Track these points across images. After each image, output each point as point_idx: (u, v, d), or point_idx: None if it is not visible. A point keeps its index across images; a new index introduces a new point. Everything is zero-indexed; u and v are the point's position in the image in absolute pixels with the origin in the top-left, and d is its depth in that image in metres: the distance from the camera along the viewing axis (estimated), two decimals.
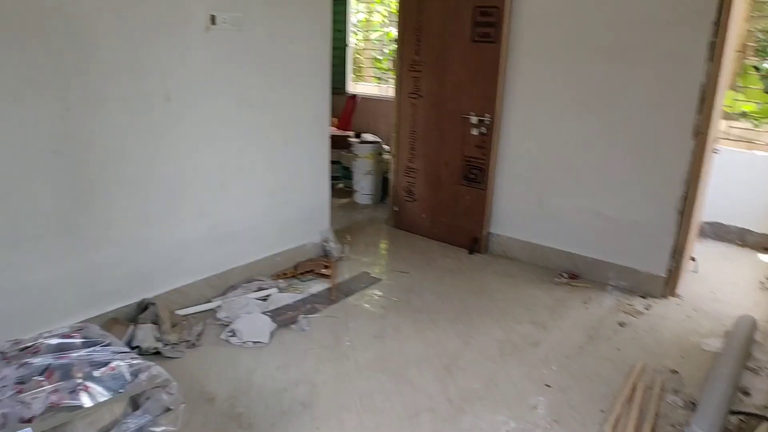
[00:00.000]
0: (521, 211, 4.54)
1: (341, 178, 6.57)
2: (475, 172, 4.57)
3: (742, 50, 5.82)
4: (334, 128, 7.08)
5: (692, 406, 2.79)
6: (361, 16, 8.43)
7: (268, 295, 3.65)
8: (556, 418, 2.65)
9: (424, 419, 2.60)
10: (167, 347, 2.95)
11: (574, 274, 4.31)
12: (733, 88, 5.87)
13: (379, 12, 8.50)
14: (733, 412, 2.74)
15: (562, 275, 4.30)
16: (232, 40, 3.36)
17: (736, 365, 3.06)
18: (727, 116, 5.75)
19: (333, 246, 4.37)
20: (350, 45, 7.87)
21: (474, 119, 4.45)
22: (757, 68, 7.06)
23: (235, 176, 3.59)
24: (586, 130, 4.12)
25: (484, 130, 4.43)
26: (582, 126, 4.13)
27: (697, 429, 2.42)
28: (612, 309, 3.85)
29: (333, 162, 4.40)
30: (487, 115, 4.39)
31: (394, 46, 5.07)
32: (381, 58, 8.42)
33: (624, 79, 3.89)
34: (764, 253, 5.31)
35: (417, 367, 3.02)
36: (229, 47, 3.35)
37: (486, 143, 4.46)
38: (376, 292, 3.92)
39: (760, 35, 6.79)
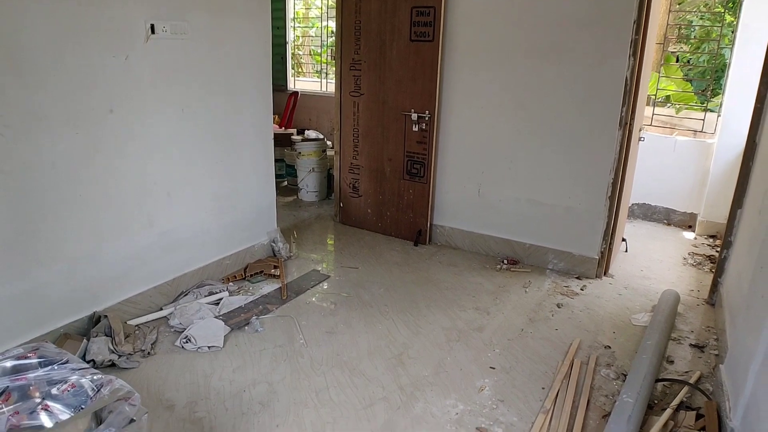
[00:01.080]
0: (462, 203, 4.74)
1: (285, 176, 6.62)
2: (418, 166, 4.73)
3: (664, 41, 6.19)
4: (276, 126, 7.11)
5: (623, 377, 3.03)
6: (300, 9, 8.44)
7: (219, 299, 3.70)
8: (501, 398, 2.84)
9: (378, 409, 2.73)
10: (122, 358, 2.97)
11: (514, 260, 4.54)
12: (658, 74, 6.24)
13: (317, 6, 8.53)
14: (659, 380, 3.00)
15: (503, 262, 4.53)
16: (173, 49, 3.37)
17: (661, 337, 3.33)
18: (652, 103, 6.11)
19: (281, 245, 4.44)
20: (289, 41, 7.87)
21: (414, 116, 4.60)
22: (677, 58, 7.51)
23: (181, 184, 3.61)
24: (521, 123, 4.34)
25: (424, 126, 4.59)
26: (517, 120, 4.35)
27: (626, 398, 2.64)
28: (550, 291, 4.09)
29: (276, 160, 4.45)
30: (427, 111, 4.55)
31: (334, 40, 5.14)
32: (320, 51, 8.46)
33: (554, 75, 4.12)
34: (687, 230, 5.71)
35: (369, 359, 3.15)
36: (170, 56, 3.36)
37: (427, 139, 4.62)
38: (326, 288, 4.03)
39: (681, 27, 7.21)
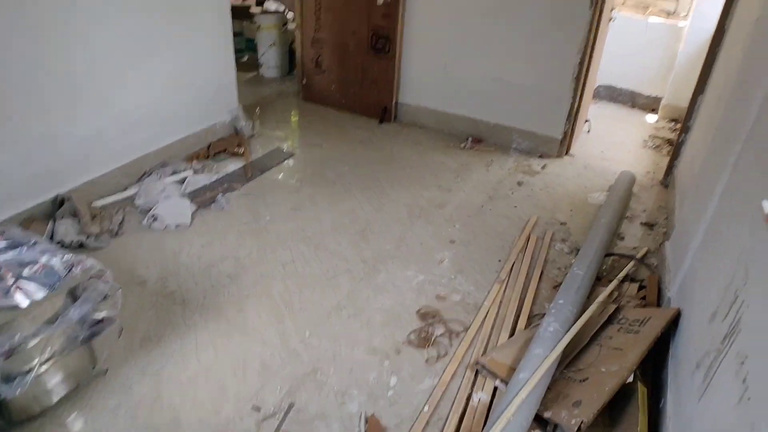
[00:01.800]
0: (429, 80, 4.66)
1: (245, 50, 6.33)
2: (383, 41, 4.57)
3: None
4: None
5: (576, 251, 3.20)
6: None
7: (184, 178, 3.67)
8: (460, 269, 2.99)
9: (342, 280, 2.85)
10: (90, 239, 2.98)
11: (479, 138, 4.58)
12: None
13: None
14: (609, 255, 3.18)
15: (467, 140, 4.56)
16: None
17: (615, 215, 3.49)
18: None
19: (243, 123, 4.36)
20: None
21: None
22: None
23: (135, 61, 3.42)
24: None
25: None
26: None
27: (577, 270, 2.81)
28: (512, 170, 4.17)
29: (235, 34, 4.23)
30: None
31: None
32: None
33: None
34: (651, 114, 5.78)
35: (333, 234, 3.23)
36: None
37: (392, 12, 4.43)
38: (290, 166, 4.02)
39: None
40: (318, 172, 3.94)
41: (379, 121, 4.81)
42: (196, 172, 3.79)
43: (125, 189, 3.52)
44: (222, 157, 4.04)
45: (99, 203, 3.33)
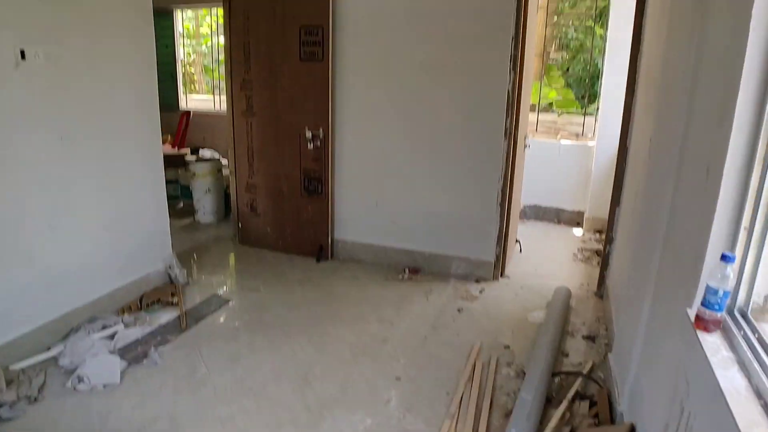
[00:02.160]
0: (362, 216, 4.78)
1: (180, 197, 6.38)
2: (315, 183, 4.71)
3: (544, 53, 6.56)
4: (169, 146, 6.85)
5: (523, 374, 3.16)
6: (189, 24, 8.19)
7: (114, 333, 3.49)
8: (408, 407, 2.87)
9: (286, 431, 2.68)
10: (4, 408, 2.73)
11: (416, 269, 4.63)
12: (540, 83, 6.60)
13: (207, 23, 8.33)
14: (555, 374, 3.15)
15: (404, 272, 4.60)
16: (48, 74, 3.17)
17: (556, 332, 3.51)
18: (537, 109, 6.46)
19: (178, 271, 4.27)
20: (179, 58, 7.62)
21: (309, 133, 4.58)
22: (558, 66, 7.99)
23: (64, 214, 3.38)
24: (413, 136, 4.45)
25: (319, 143, 4.58)
26: (409, 133, 4.45)
27: (525, 395, 2.75)
28: (451, 297, 4.19)
29: (170, 182, 4.27)
30: (321, 129, 4.54)
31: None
32: (213, 67, 8.26)
33: (443, 90, 4.27)
34: (576, 227, 6.06)
35: (275, 382, 3.08)
36: (45, 81, 3.15)
37: (322, 155, 4.61)
38: (227, 313, 3.91)
39: (560, 38, 7.68)
40: (256, 316, 3.84)
41: (317, 260, 4.82)
42: (127, 325, 3.62)
43: (49, 348, 3.29)
44: (155, 307, 3.89)
45: (17, 366, 3.09)
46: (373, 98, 4.50)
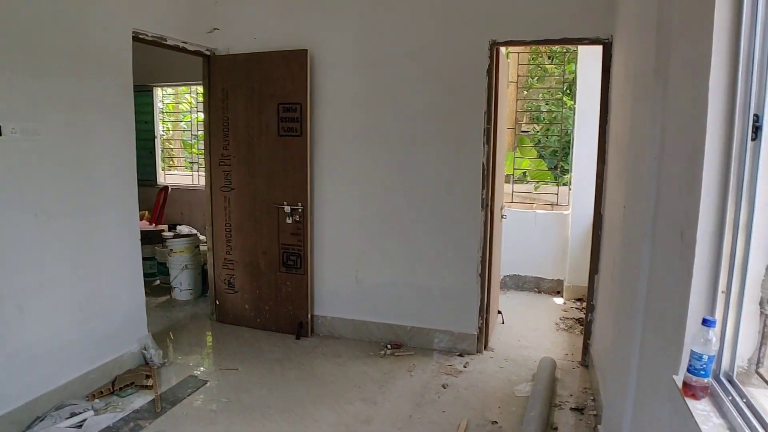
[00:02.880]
0: (342, 291, 4.72)
1: (157, 274, 6.26)
2: (294, 258, 4.67)
3: (515, 125, 6.77)
4: (146, 223, 6.79)
5: None
6: (169, 101, 8.34)
7: (82, 421, 3.31)
8: None
9: None
10: None
11: (398, 344, 4.53)
12: (513, 154, 6.77)
13: (187, 101, 8.49)
14: None
15: (386, 347, 4.50)
16: (25, 150, 3.17)
17: (544, 405, 3.42)
18: (512, 180, 6.59)
19: (153, 352, 4.12)
20: (158, 135, 7.69)
21: (287, 208, 4.58)
22: (530, 138, 8.24)
23: (35, 294, 3.28)
24: (392, 210, 4.48)
25: (298, 218, 4.58)
26: (388, 207, 4.49)
27: None
28: (435, 372, 4.09)
29: (146, 259, 4.20)
30: (299, 203, 4.55)
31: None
32: (192, 143, 8.34)
33: (420, 163, 4.35)
34: (557, 296, 6.05)
35: None
36: (21, 157, 3.15)
37: (301, 230, 4.60)
38: (204, 395, 3.75)
39: (530, 110, 7.96)
40: (235, 398, 3.69)
41: (296, 337, 4.71)
42: (97, 411, 3.44)
43: None
44: (129, 391, 3.72)
45: None
46: (352, 172, 4.55)
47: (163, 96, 7.88)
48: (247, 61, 4.57)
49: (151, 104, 7.51)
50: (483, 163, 4.17)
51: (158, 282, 6.25)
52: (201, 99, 6.50)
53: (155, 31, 4.09)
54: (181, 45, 4.39)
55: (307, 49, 4.38)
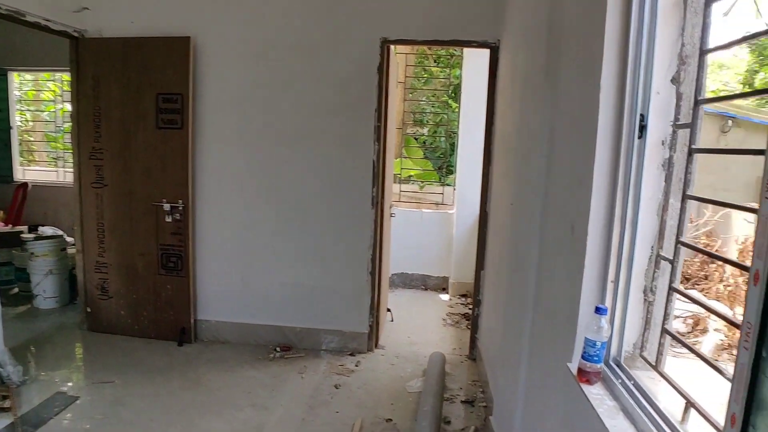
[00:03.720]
0: (227, 294, 4.50)
1: (15, 281, 5.62)
2: (175, 260, 4.38)
3: (402, 126, 6.87)
4: (0, 223, 6.11)
5: None
6: (28, 88, 7.56)
7: None
8: None
9: None
10: None
11: (287, 346, 4.41)
12: (401, 156, 6.87)
13: (49, 89, 7.74)
14: None
15: (275, 350, 4.35)
16: None
17: (435, 400, 3.47)
18: (399, 181, 6.68)
19: (11, 369, 3.68)
20: (15, 126, 6.93)
21: (167, 206, 4.29)
22: (416, 139, 8.41)
23: None
24: (281, 208, 4.34)
25: (178, 216, 4.30)
26: (276, 204, 4.34)
27: None
28: (326, 373, 4.02)
29: (2, 264, 3.74)
30: (180, 201, 4.28)
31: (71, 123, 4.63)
32: (56, 136, 7.61)
33: (310, 160, 4.25)
34: (443, 293, 6.21)
35: None
36: None
37: (182, 229, 4.33)
38: (74, 413, 3.39)
39: (416, 112, 8.12)
40: (112, 414, 3.37)
41: (179, 344, 4.42)
42: None
43: None
44: None
45: None
46: (238, 168, 4.35)
47: (20, 83, 7.13)
48: (124, 46, 4.23)
49: (6, 90, 6.76)
50: (374, 161, 4.16)
51: (17, 290, 5.62)
52: (67, 88, 5.95)
53: (11, 4, 3.62)
54: (44, 23, 3.93)
55: (189, 37, 4.13)
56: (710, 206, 4.76)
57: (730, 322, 1.46)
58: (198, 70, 4.24)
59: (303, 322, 4.45)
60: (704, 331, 4.24)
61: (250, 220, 4.40)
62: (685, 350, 2.79)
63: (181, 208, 4.29)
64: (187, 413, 3.39)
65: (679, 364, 2.55)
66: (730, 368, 1.18)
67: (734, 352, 3.88)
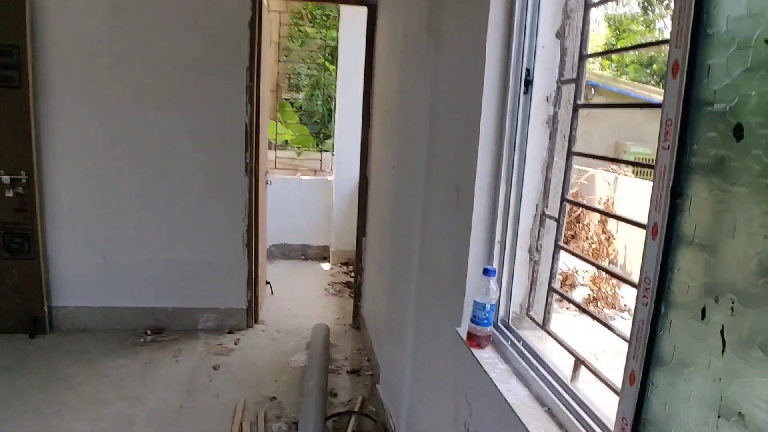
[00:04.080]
0: (87, 276, 4.03)
1: None
2: (20, 240, 3.84)
3: (277, 89, 6.55)
4: None
5: (295, 426, 2.92)
6: None
7: None
8: None
9: None
10: None
11: (159, 329, 4.05)
12: (276, 121, 6.59)
13: None
14: (329, 418, 2.99)
15: (146, 334, 3.98)
16: None
17: (321, 373, 3.36)
18: (274, 147, 6.41)
19: None
20: None
21: (6, 179, 3.71)
22: (292, 103, 8.10)
23: None
24: (145, 176, 3.93)
25: (21, 189, 3.75)
26: (139, 173, 3.92)
27: None
28: (204, 355, 3.76)
29: None
30: (23, 172, 3.72)
31: None
32: None
33: (176, 123, 3.87)
34: (323, 262, 6.09)
35: None
36: None
37: (28, 205, 3.78)
38: None
39: (291, 75, 7.79)
40: None
41: (30, 336, 3.90)
42: None
43: None
44: None
45: None
46: (93, 132, 3.84)
47: None
48: None
49: None
50: (246, 124, 3.87)
51: None
52: None
53: None
54: None
55: None
56: (576, 169, 5.04)
57: (624, 279, 1.46)
58: (39, 18, 3.65)
59: (176, 302, 4.12)
60: (572, 286, 4.50)
61: (109, 192, 3.93)
62: (562, 306, 2.90)
63: (24, 181, 3.73)
64: (41, 415, 2.98)
65: (558, 319, 2.63)
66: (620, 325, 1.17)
67: (600, 304, 4.14)
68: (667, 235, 0.99)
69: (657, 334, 1.03)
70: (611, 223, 4.89)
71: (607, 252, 4.82)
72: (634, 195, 5.17)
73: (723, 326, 0.87)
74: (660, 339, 1.02)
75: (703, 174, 0.92)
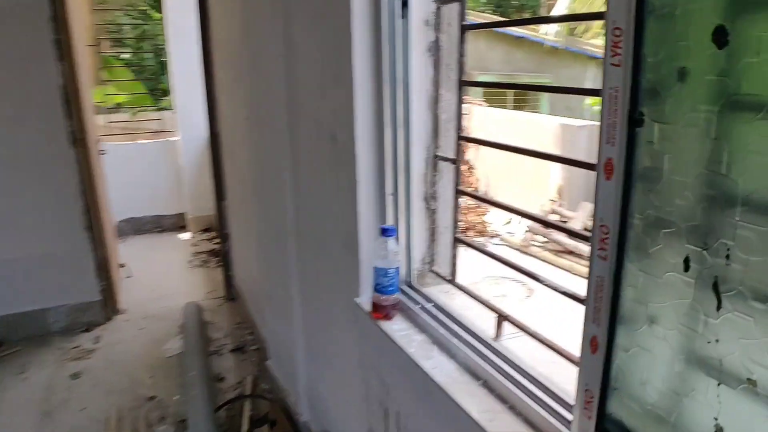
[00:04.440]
0: None
1: None
2: None
3: (98, 44, 5.69)
4: None
5: (184, 423, 2.59)
6: None
7: None
8: None
9: None
10: None
11: None
12: (102, 82, 5.77)
13: None
14: (219, 408, 2.68)
15: None
16: None
17: (201, 359, 3.02)
18: (103, 111, 5.63)
19: None
20: None
21: None
22: (119, 59, 7.12)
23: None
24: None
25: None
26: None
27: None
28: (58, 363, 3.22)
29: None
30: None
31: None
32: None
33: None
34: (182, 232, 5.55)
35: None
36: None
37: None
38: None
39: (113, 27, 6.80)
40: None
41: None
42: None
43: None
44: None
45: None
46: None
47: None
48: None
49: None
50: (63, 87, 3.22)
51: None
52: None
53: None
54: None
55: None
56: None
57: (569, 231, 1.30)
58: None
59: (12, 307, 3.47)
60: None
61: None
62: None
63: None
64: None
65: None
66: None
67: (471, 233, 4.12)
68: (626, 172, 0.80)
69: (621, 293, 0.86)
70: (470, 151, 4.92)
71: (471, 182, 4.87)
72: (488, 124, 5.21)
73: (716, 278, 0.71)
74: (625, 298, 0.85)
75: (670, 93, 0.73)
